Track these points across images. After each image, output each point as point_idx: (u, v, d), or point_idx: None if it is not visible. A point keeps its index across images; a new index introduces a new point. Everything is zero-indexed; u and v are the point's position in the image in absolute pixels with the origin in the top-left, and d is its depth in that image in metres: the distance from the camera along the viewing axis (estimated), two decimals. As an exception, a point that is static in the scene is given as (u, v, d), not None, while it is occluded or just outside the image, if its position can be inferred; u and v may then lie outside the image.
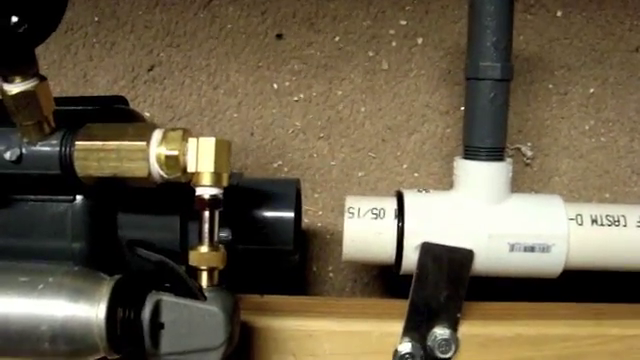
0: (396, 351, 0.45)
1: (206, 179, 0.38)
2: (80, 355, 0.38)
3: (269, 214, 0.45)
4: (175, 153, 0.38)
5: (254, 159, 0.56)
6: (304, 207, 0.56)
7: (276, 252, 0.45)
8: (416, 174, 0.56)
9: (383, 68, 0.56)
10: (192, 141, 0.38)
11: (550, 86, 0.56)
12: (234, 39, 0.56)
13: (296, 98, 0.56)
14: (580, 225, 0.45)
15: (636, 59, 0.56)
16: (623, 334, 0.45)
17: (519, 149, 0.56)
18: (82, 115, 0.43)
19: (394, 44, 0.56)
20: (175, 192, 0.41)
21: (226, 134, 0.56)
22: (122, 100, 0.52)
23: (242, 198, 0.45)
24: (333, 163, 0.56)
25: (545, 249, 0.44)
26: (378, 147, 0.56)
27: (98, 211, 0.41)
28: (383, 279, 0.57)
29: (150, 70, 0.57)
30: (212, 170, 0.38)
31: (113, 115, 0.45)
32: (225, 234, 0.44)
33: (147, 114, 0.57)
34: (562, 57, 0.56)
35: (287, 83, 0.56)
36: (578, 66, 0.56)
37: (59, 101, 0.40)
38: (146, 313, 0.37)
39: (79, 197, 0.41)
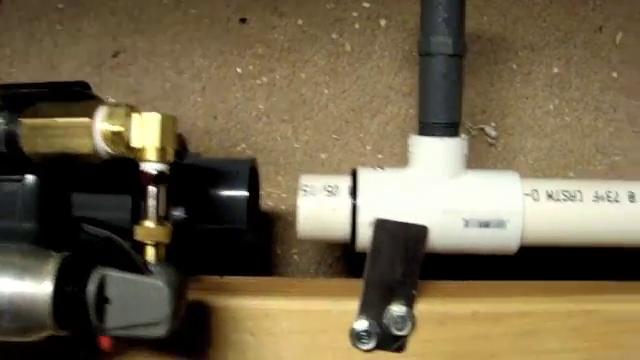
0: (352, 329, 0.45)
1: (151, 154, 0.38)
2: (28, 332, 0.38)
3: (223, 193, 0.45)
4: (119, 129, 0.38)
5: (218, 142, 0.56)
6: (268, 190, 0.56)
7: (231, 231, 0.45)
8: (380, 155, 0.56)
9: (346, 50, 0.56)
10: (136, 117, 0.38)
11: (514, 66, 0.56)
12: (198, 24, 0.56)
13: (259, 82, 0.56)
14: (536, 200, 0.45)
15: (600, 39, 0.56)
16: (581, 309, 0.45)
17: (483, 129, 0.56)
18: (34, 97, 0.43)
19: (357, 26, 0.56)
20: (128, 171, 0.41)
21: (190, 118, 0.56)
22: (84, 85, 0.52)
23: (197, 177, 0.45)
24: (297, 145, 0.56)
25: (500, 225, 0.44)
26: (341, 129, 0.56)
27: (49, 191, 0.41)
28: (347, 261, 0.57)
29: (115, 56, 0.57)
30: (157, 145, 0.38)
31: (68, 97, 0.45)
32: (179, 213, 0.44)
33: (112, 100, 0.57)
34: (525, 37, 0.56)
35: (251, 67, 0.56)
36: (542, 46, 0.56)
37: (20, 87, 0.40)
38: (91, 288, 0.37)
39: (29, 177, 0.41)
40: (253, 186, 0.46)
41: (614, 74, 0.56)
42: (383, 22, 0.55)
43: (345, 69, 0.56)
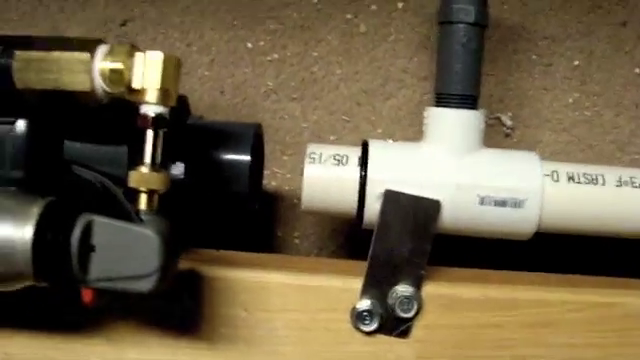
0: (354, 308, 0.42)
1: (151, 96, 0.35)
2: (6, 280, 0.35)
3: (225, 156, 0.42)
4: (119, 66, 0.36)
5: (223, 118, 0.54)
6: (273, 169, 0.53)
7: (232, 196, 0.43)
8: (391, 140, 0.53)
9: (361, 31, 0.54)
10: (139, 56, 0.36)
11: (533, 57, 0.54)
12: (210, -3, 0.55)
13: (270, 58, 0.54)
14: (556, 181, 0.42)
15: (623, 34, 0.54)
16: (599, 301, 0.42)
17: (499, 118, 0.53)
18: (34, 38, 0.41)
19: (374, 7, 0.54)
20: (127, 120, 0.39)
21: (196, 91, 0.54)
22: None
23: (199, 137, 0.43)
24: (305, 125, 0.54)
25: (517, 204, 0.41)
26: (352, 111, 0.54)
27: (41, 137, 0.39)
28: (350, 248, 0.54)
29: (123, 25, 0.55)
30: (158, 87, 0.35)
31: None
32: (178, 171, 0.41)
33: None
34: (547, 28, 0.54)
35: (262, 42, 0.54)
36: (563, 38, 0.54)
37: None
38: (76, 234, 0.34)
39: (20, 121, 0.38)
40: (257, 152, 0.44)
41: (637, 70, 0.54)
42: (400, 4, 0.54)
43: (359, 50, 0.54)
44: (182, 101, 0.45)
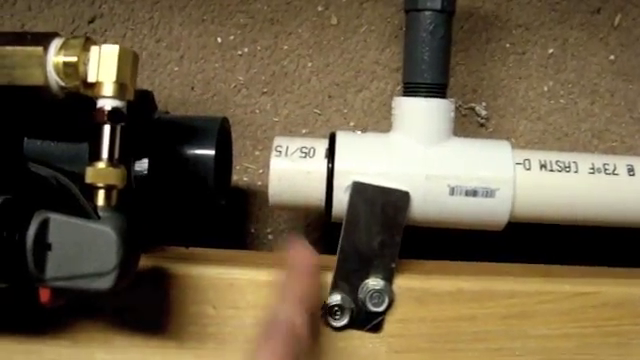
0: (324, 303, 0.41)
1: (107, 90, 0.35)
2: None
3: (190, 150, 0.41)
4: (74, 59, 0.35)
5: (194, 114, 0.53)
6: (244, 164, 0.53)
7: (197, 191, 0.42)
8: (360, 132, 0.53)
9: (332, 23, 0.53)
10: (94, 49, 0.35)
11: (507, 45, 0.53)
12: (179, -8, 0.54)
13: (240, 52, 0.53)
14: (528, 170, 0.41)
15: (597, 20, 0.53)
16: (575, 291, 0.41)
17: (473, 109, 0.53)
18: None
19: (344, -1, 0.53)
20: (88, 117, 0.38)
21: (166, 88, 0.53)
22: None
23: (163, 132, 0.42)
24: (276, 119, 0.53)
25: (489, 194, 0.41)
26: (324, 104, 0.53)
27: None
28: (325, 242, 0.53)
29: (91, 22, 0.54)
30: (114, 80, 0.35)
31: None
32: (141, 168, 0.40)
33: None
34: (520, 16, 0.53)
35: (232, 37, 0.53)
36: (537, 25, 0.53)
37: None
38: (31, 232, 0.33)
39: (-23, 118, 0.38)
40: (223, 146, 0.43)
41: (612, 57, 0.53)
42: (372, -5, 0.53)
43: (330, 42, 0.53)
44: (147, 96, 0.44)
